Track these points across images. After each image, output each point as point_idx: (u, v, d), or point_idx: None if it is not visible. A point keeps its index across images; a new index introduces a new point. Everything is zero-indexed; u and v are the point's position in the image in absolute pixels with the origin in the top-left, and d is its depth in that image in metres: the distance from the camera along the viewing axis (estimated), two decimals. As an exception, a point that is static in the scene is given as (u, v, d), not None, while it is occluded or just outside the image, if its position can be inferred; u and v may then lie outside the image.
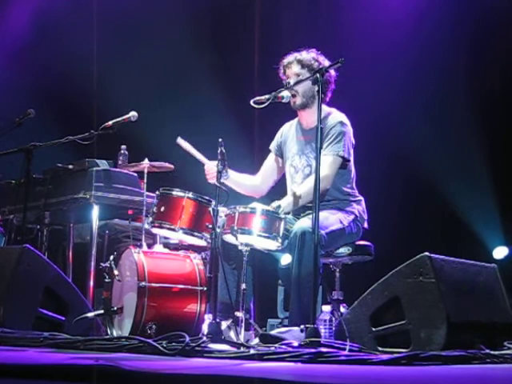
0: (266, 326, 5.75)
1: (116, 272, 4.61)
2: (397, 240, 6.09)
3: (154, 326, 4.42)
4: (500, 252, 6.30)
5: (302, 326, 3.80)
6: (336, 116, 4.68)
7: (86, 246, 5.60)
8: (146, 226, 4.88)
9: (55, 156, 5.80)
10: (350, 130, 4.67)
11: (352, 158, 4.68)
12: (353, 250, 4.64)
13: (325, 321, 4.29)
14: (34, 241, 5.86)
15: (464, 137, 6.29)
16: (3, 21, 7.84)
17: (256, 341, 4.12)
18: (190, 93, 7.24)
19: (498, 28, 6.29)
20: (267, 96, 4.34)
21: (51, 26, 7.62)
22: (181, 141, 4.74)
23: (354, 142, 4.70)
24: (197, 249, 4.83)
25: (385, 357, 3.23)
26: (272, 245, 4.29)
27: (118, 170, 5.50)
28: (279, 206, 4.35)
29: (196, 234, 4.49)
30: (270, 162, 4.95)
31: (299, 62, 4.67)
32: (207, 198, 4.50)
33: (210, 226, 4.18)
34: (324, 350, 3.39)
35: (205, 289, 4.53)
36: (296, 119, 4.87)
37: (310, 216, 3.97)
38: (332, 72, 4.66)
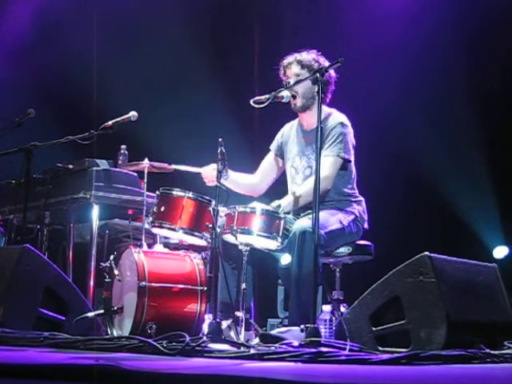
0: (266, 326, 5.75)
1: (116, 272, 4.62)
2: (397, 240, 6.09)
3: (154, 326, 4.42)
4: (500, 251, 6.30)
5: (302, 326, 3.80)
6: (336, 117, 4.67)
7: (86, 246, 5.59)
8: (146, 226, 4.88)
9: (55, 156, 5.80)
10: (350, 130, 4.67)
11: (353, 159, 4.68)
12: (353, 249, 4.64)
13: (325, 320, 4.29)
14: (34, 241, 5.86)
15: (464, 137, 6.29)
16: (3, 21, 7.84)
17: (256, 341, 4.12)
18: (190, 93, 7.23)
19: (497, 28, 6.29)
20: (267, 96, 4.34)
21: (51, 26, 7.62)
22: (175, 166, 4.81)
23: (354, 142, 4.70)
24: (197, 248, 4.83)
25: (385, 356, 3.24)
26: (272, 244, 4.29)
27: (118, 169, 5.49)
28: (279, 206, 4.35)
29: (196, 233, 4.49)
30: (269, 160, 4.95)
31: (299, 62, 4.67)
32: (207, 197, 4.50)
33: (210, 226, 4.19)
34: (324, 349, 3.39)
35: (205, 288, 4.53)
36: (297, 120, 4.87)
37: (310, 216, 3.97)
38: (332, 73, 4.66)
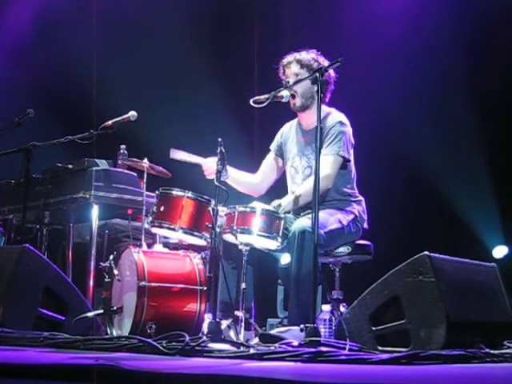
0: (265, 326, 5.75)
1: (116, 272, 4.61)
2: (397, 240, 6.09)
3: (153, 326, 4.41)
4: (500, 251, 6.30)
5: (302, 326, 3.80)
6: (335, 116, 4.68)
7: (86, 246, 5.59)
8: (146, 226, 4.88)
9: (55, 156, 5.80)
10: (349, 129, 4.67)
11: (352, 158, 4.68)
12: (352, 249, 4.64)
13: (324, 320, 4.29)
14: (33, 240, 5.85)
15: (464, 137, 6.29)
16: (3, 21, 7.84)
17: (256, 340, 4.12)
18: (189, 93, 7.23)
19: (497, 28, 6.29)
20: (267, 95, 4.35)
21: (51, 26, 7.62)
22: (174, 153, 4.74)
23: (353, 141, 4.70)
24: (196, 248, 4.82)
25: (385, 356, 3.23)
26: (272, 244, 4.29)
27: (117, 169, 5.49)
28: (279, 205, 4.35)
29: (196, 233, 4.49)
30: (270, 160, 4.96)
31: (298, 61, 4.67)
32: (207, 197, 4.50)
33: (210, 226, 4.19)
34: (324, 349, 3.39)
35: (205, 288, 4.52)
36: (296, 120, 4.87)
37: (310, 215, 3.97)
38: (331, 73, 4.66)
